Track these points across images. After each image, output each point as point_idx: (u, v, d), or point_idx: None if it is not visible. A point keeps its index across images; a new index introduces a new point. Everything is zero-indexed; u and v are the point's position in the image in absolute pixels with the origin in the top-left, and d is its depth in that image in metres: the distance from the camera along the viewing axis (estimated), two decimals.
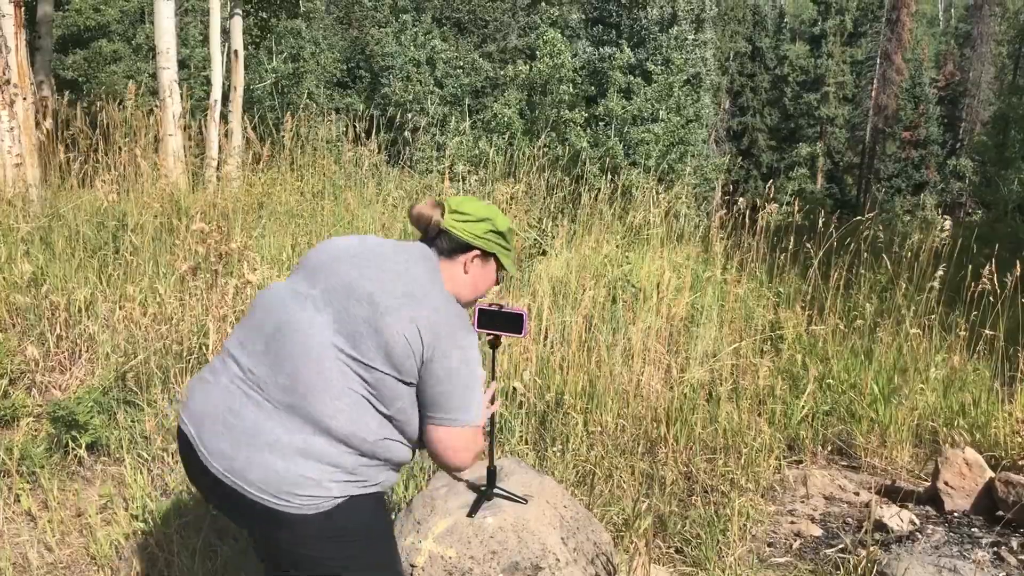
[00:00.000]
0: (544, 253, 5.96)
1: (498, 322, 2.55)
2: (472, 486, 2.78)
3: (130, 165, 6.35)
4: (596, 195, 7.49)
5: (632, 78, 21.82)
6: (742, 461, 3.94)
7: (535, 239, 5.73)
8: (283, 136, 7.22)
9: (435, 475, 2.98)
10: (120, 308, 4.12)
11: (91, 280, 4.41)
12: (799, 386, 4.80)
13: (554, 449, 3.66)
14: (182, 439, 1.94)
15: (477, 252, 2.16)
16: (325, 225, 5.59)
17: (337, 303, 1.92)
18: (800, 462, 4.30)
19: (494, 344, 2.62)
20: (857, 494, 4.12)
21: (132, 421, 3.63)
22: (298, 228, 5.68)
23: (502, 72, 22.58)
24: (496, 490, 2.71)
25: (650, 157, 19.86)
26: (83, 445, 3.48)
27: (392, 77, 24.61)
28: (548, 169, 7.60)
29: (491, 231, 2.17)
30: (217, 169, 9.07)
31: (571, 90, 19.55)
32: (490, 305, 2.55)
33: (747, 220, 6.67)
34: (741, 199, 6.76)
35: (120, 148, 6.49)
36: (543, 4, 27.31)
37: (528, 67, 21.26)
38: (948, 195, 36.70)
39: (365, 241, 2.08)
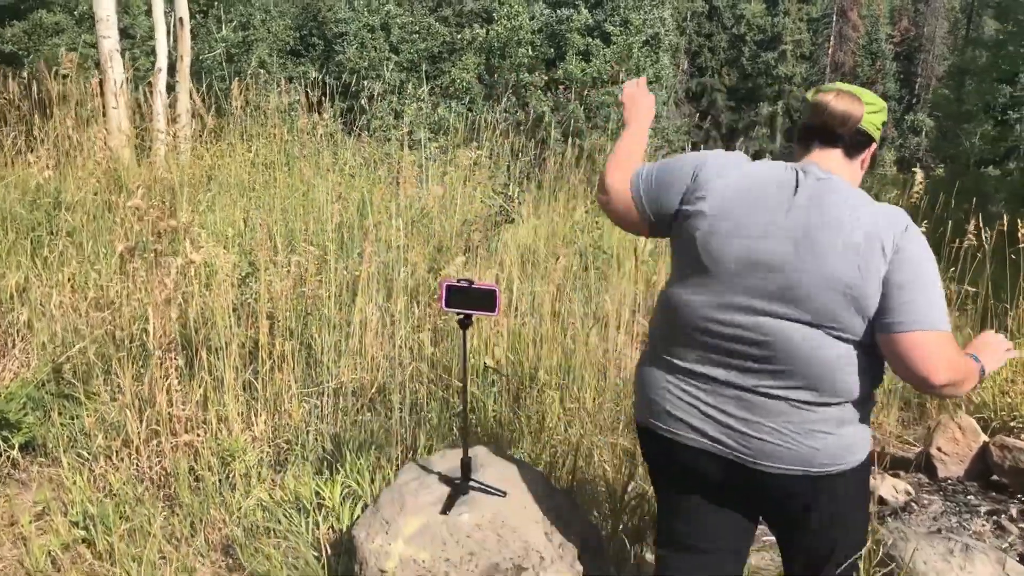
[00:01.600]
0: (511, 221, 5.70)
1: (468, 300, 2.30)
2: (445, 479, 2.54)
3: (68, 139, 5.97)
4: (562, 160, 7.23)
5: (590, 40, 21.51)
6: None
7: (501, 206, 5.46)
8: (232, 105, 6.84)
9: (403, 467, 2.73)
10: (57, 293, 3.81)
11: (24, 264, 4.08)
12: None
13: (530, 432, 3.43)
14: None
15: (875, 145, 2.00)
16: (278, 197, 5.27)
17: None
18: None
19: (464, 323, 2.36)
20: None
21: (71, 417, 3.34)
22: (249, 201, 5.36)
23: (459, 36, 22.12)
24: (471, 483, 2.47)
25: (612, 120, 19.61)
26: (16, 446, 3.19)
27: (346, 44, 24.01)
28: (511, 133, 7.31)
29: (884, 122, 2.00)
30: (164, 142, 8.67)
31: (530, 53, 19.17)
32: (459, 281, 2.29)
33: None
34: None
35: (57, 122, 6.11)
36: None
37: (485, 31, 20.83)
38: (906, 150, 36.93)
39: None
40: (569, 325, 4.20)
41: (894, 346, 1.77)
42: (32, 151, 5.65)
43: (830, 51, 41.16)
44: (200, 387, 3.34)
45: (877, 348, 1.81)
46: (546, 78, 19.50)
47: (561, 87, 20.02)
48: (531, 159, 7.08)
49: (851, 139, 1.93)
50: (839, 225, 1.78)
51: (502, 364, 3.69)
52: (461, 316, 2.34)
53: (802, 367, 1.81)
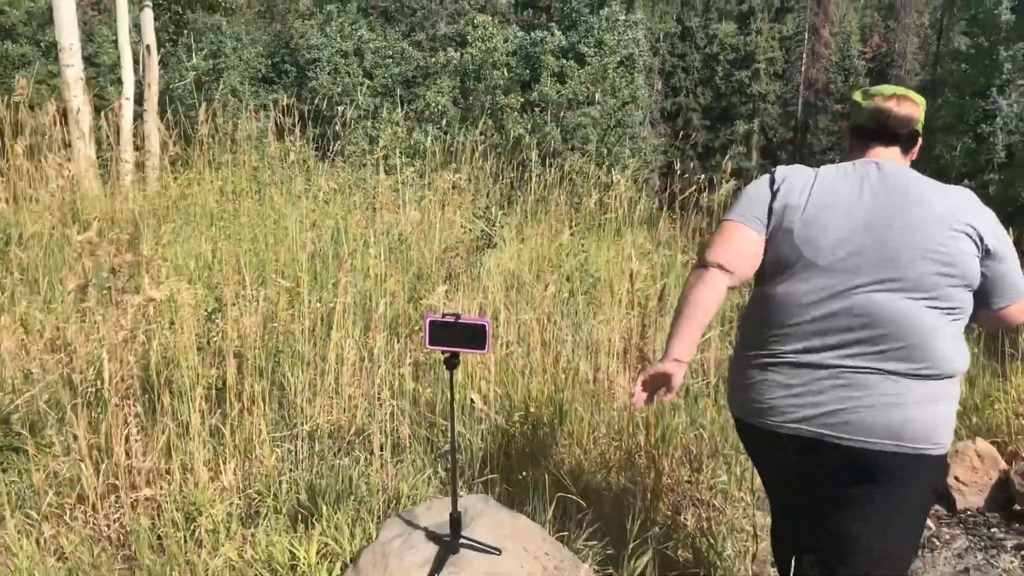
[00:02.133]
0: (493, 245, 5.47)
1: (455, 336, 2.06)
2: (432, 536, 2.28)
3: (24, 171, 5.69)
4: (544, 183, 7.02)
5: (565, 61, 21.43)
6: (732, 468, 3.51)
7: (482, 230, 5.23)
8: (199, 132, 6.58)
9: (386, 521, 2.47)
10: (7, 335, 3.52)
11: None
12: None
13: (523, 473, 3.18)
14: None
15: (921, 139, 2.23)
16: (247, 226, 5.02)
17: None
18: None
19: (451, 363, 2.12)
20: None
21: (18, 472, 3.05)
22: (218, 231, 5.10)
23: (432, 60, 21.99)
24: (462, 540, 2.22)
25: (589, 141, 19.49)
26: None
27: (319, 70, 23.80)
28: (489, 156, 7.10)
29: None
30: (130, 171, 8.38)
31: (505, 75, 19.04)
32: (444, 316, 2.05)
33: (695, 201, 6.31)
34: (698, 177, 6.42)
35: (9, 153, 5.81)
36: None
37: (459, 54, 20.70)
38: None
39: None
40: (559, 354, 3.97)
41: (998, 320, 2.07)
42: None
43: (803, 68, 41.42)
44: (163, 434, 3.06)
45: (966, 319, 2.03)
46: (522, 100, 19.37)
47: (537, 109, 19.89)
48: (511, 181, 6.86)
49: (907, 137, 2.17)
50: (928, 203, 1.99)
51: (489, 400, 3.44)
52: (447, 355, 2.10)
53: (901, 338, 1.95)
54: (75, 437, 2.88)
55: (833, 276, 2.00)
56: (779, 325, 2.07)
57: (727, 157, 37.29)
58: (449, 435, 2.32)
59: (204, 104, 6.68)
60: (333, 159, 7.17)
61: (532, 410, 3.46)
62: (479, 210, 5.61)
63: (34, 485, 2.86)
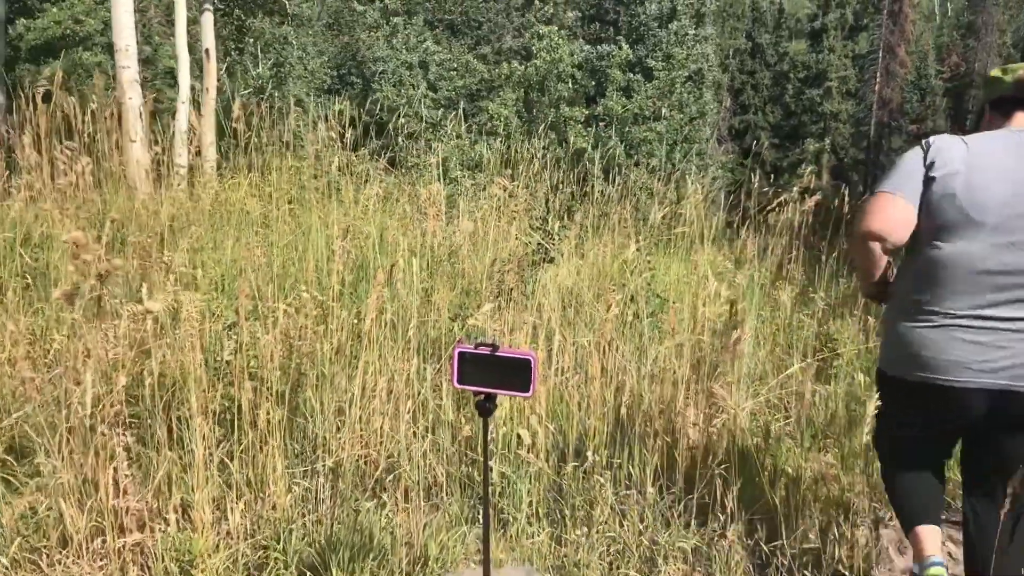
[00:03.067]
0: (551, 260, 5.01)
1: (492, 373, 1.60)
2: None
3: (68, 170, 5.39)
4: (607, 197, 6.53)
5: (632, 76, 20.96)
6: (825, 524, 2.97)
7: (539, 243, 4.77)
8: (244, 134, 6.25)
9: None
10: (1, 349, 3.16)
11: None
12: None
13: (577, 532, 2.69)
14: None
15: None
16: (286, 234, 4.63)
17: None
18: (881, 519, 3.31)
19: (485, 408, 1.66)
20: None
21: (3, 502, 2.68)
22: (255, 238, 4.73)
23: (496, 72, 21.70)
24: None
25: (653, 156, 18.92)
26: None
27: (384, 82, 23.67)
28: (550, 165, 6.65)
29: None
30: (184, 176, 8.14)
31: (571, 86, 18.66)
32: (477, 346, 1.59)
33: (763, 218, 5.82)
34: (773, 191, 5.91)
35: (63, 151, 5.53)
36: (537, 2, 26.39)
37: (524, 66, 20.36)
38: None
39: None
40: (623, 384, 3.48)
41: None
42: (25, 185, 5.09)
43: (876, 87, 40.27)
44: (162, 468, 2.65)
45: None
46: (587, 113, 18.95)
47: (602, 123, 19.44)
48: (571, 192, 6.39)
49: None
50: None
51: (539, 440, 2.96)
52: (481, 397, 1.64)
53: None
54: (54, 469, 2.48)
55: (1002, 235, 2.18)
56: (955, 284, 2.24)
57: (797, 176, 36.42)
58: (483, 505, 1.84)
59: (239, 99, 6.37)
60: (394, 170, 6.80)
61: (589, 453, 2.97)
62: (536, 221, 5.15)
63: (3, 526, 2.46)
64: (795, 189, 6.13)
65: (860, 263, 2.44)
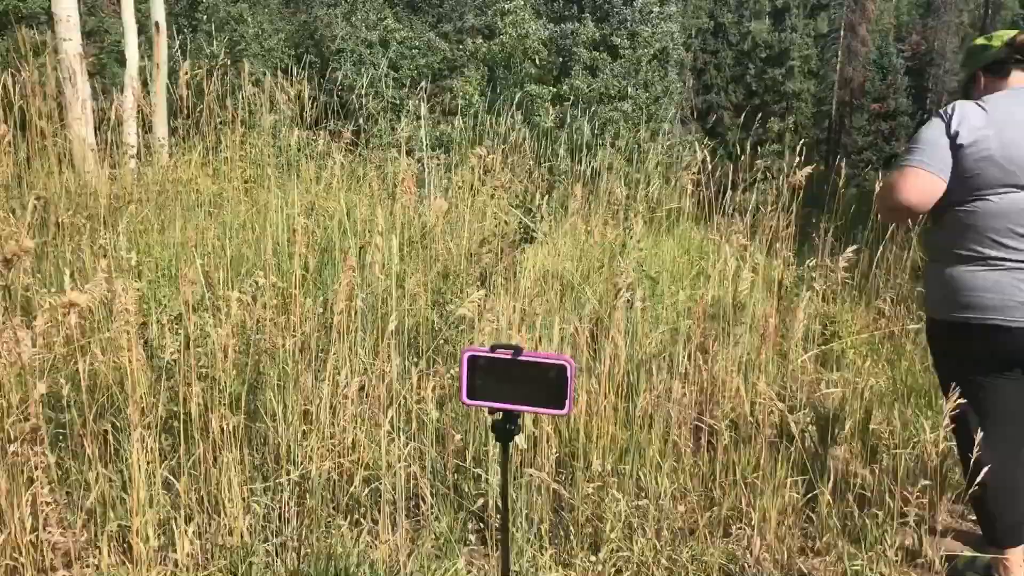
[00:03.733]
0: (531, 239, 4.62)
1: (512, 384, 1.20)
2: None
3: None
4: (578, 175, 6.14)
5: (597, 54, 20.60)
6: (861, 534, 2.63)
7: (521, 221, 4.37)
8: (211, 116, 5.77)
9: None
10: None
11: None
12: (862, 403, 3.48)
13: (584, 555, 2.31)
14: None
15: None
16: (243, 215, 4.18)
17: None
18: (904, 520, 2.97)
19: (505, 431, 1.26)
20: None
21: None
22: (210, 219, 4.27)
23: (460, 50, 21.20)
24: None
25: (620, 136, 18.57)
26: None
27: (344, 60, 23.00)
28: (528, 140, 6.25)
29: None
30: (133, 155, 7.62)
31: (537, 63, 18.26)
32: (493, 349, 1.19)
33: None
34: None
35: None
36: None
37: (488, 44, 19.89)
38: None
39: None
40: (623, 378, 3.09)
41: None
42: None
43: (838, 67, 40.33)
44: (94, 490, 2.23)
45: None
46: (553, 91, 18.57)
47: (567, 103, 19.05)
48: (551, 167, 6.00)
49: None
50: None
51: (541, 450, 2.56)
52: (498, 416, 1.24)
53: None
54: None
55: None
56: (1005, 232, 2.40)
57: (760, 156, 36.51)
58: (501, 554, 1.45)
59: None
60: (358, 153, 6.34)
61: (595, 463, 2.58)
62: (516, 198, 4.75)
63: None
64: (783, 162, 5.83)
65: (888, 224, 2.75)
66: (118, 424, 2.38)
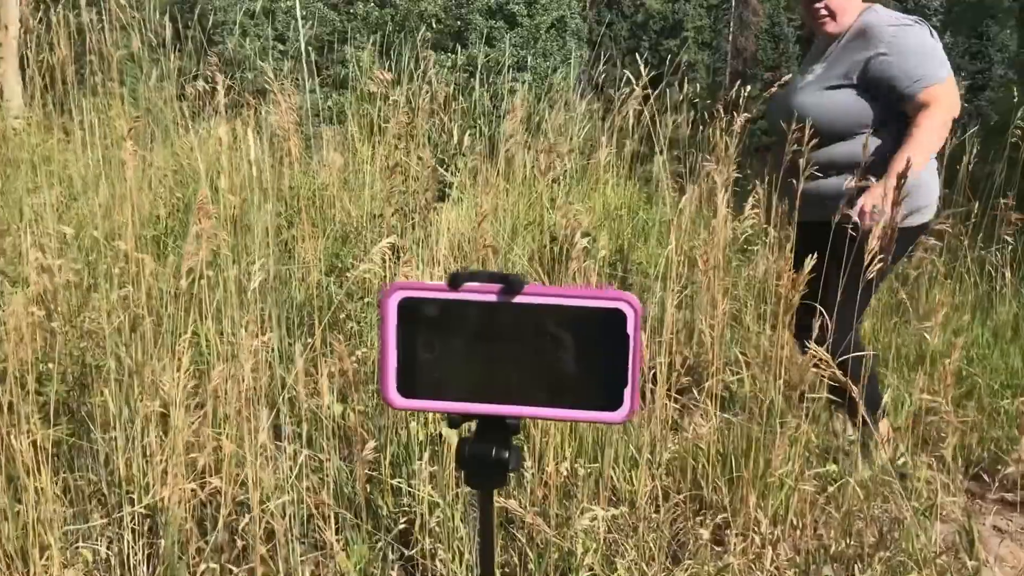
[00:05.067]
0: (444, 197, 3.96)
1: (494, 363, 0.53)
2: None
3: None
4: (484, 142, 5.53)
5: (494, 23, 20.00)
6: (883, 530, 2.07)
7: (433, 175, 3.69)
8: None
9: None
10: None
11: None
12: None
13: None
14: None
15: None
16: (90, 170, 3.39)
17: None
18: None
19: (484, 464, 0.59)
20: None
21: None
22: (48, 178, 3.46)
23: (350, 16, 20.23)
24: None
25: (519, 109, 18.06)
26: None
27: (226, 33, 21.73)
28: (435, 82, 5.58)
29: None
30: None
31: (434, 27, 17.55)
32: (454, 285, 0.52)
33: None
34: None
35: None
36: None
37: (379, 10, 19.00)
38: None
39: None
40: None
41: None
42: None
43: (731, 37, 40.73)
44: None
45: None
46: (451, 57, 17.88)
47: (465, 73, 18.39)
48: (461, 125, 5.33)
49: None
50: None
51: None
52: (469, 432, 0.58)
53: None
54: None
55: None
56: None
57: (660, 127, 36.70)
58: None
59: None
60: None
61: (550, 460, 1.94)
62: (427, 150, 4.05)
63: None
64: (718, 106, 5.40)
65: (942, 141, 2.52)
66: None
